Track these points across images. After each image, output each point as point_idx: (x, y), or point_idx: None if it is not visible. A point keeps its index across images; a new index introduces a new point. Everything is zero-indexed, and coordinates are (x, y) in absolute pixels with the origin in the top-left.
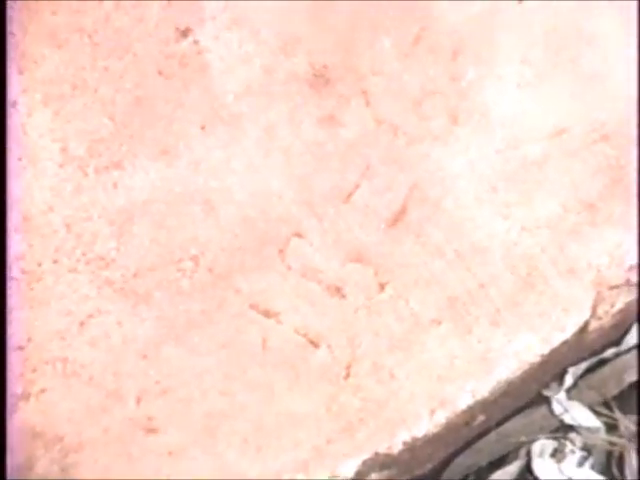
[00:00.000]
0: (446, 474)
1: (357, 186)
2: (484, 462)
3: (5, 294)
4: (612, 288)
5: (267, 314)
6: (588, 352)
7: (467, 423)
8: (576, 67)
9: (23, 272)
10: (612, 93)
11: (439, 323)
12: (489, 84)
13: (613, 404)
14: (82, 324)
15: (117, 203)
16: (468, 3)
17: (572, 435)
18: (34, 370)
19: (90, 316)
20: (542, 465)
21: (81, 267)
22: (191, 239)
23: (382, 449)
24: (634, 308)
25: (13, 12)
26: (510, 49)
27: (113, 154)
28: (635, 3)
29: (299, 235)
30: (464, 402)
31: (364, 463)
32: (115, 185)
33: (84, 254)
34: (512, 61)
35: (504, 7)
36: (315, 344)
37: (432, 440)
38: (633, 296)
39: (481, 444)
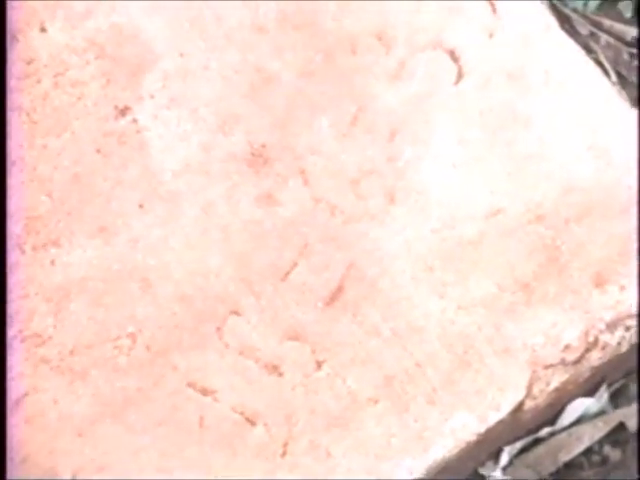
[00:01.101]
0: None
1: (295, 264)
2: None
3: None
4: (547, 367)
5: (204, 392)
6: (523, 431)
7: None
8: (512, 148)
9: None
10: (547, 174)
11: (376, 401)
12: (426, 164)
13: None
14: (17, 402)
15: (54, 280)
16: (405, 84)
17: None
18: None
19: (26, 394)
20: None
21: (17, 345)
22: (129, 317)
23: None
24: (569, 387)
25: None
26: (446, 129)
27: (51, 231)
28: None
29: (237, 313)
30: None
31: None
32: (52, 262)
33: (20, 332)
34: (449, 141)
35: (440, 88)
36: (252, 422)
37: None
38: (568, 375)
39: None
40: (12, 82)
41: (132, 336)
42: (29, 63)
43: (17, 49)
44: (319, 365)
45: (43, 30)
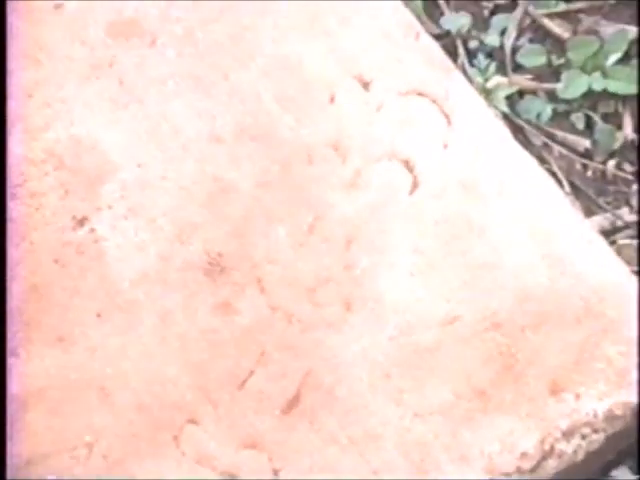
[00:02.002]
0: None
1: (252, 372)
2: None
3: None
4: (503, 475)
5: None
6: None
7: None
8: (467, 257)
9: None
10: (502, 282)
11: None
12: (382, 272)
13: None
14: None
15: (11, 390)
16: (361, 193)
17: None
18: None
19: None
20: None
21: None
22: (86, 426)
23: None
24: None
25: None
26: (402, 238)
27: (8, 341)
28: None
29: (194, 421)
30: None
31: None
32: (9, 372)
33: None
34: (404, 250)
35: (395, 198)
36: None
37: None
38: None
39: None
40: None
41: (89, 445)
42: None
43: None
44: (276, 473)
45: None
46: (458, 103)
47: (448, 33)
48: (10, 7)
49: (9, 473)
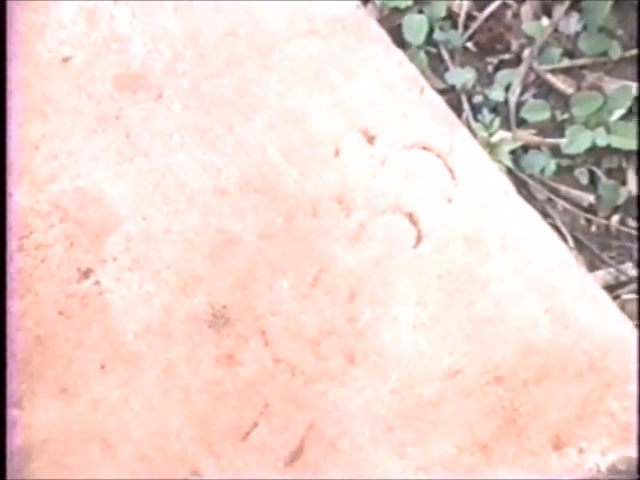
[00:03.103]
0: None
1: (255, 424)
2: None
3: None
4: None
5: None
6: None
7: None
8: (470, 310)
9: None
10: (505, 336)
11: None
12: (385, 325)
13: None
14: None
15: (15, 442)
16: (365, 246)
17: None
18: None
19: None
20: None
21: None
22: (89, 478)
23: None
24: None
25: None
26: (405, 291)
27: (13, 393)
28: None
29: (197, 473)
30: None
31: None
32: (14, 424)
33: None
34: (408, 303)
35: (399, 251)
36: None
37: None
38: None
39: None
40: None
41: None
42: None
43: None
44: None
45: (9, 195)
46: (462, 157)
47: (453, 88)
48: (18, 60)
49: None
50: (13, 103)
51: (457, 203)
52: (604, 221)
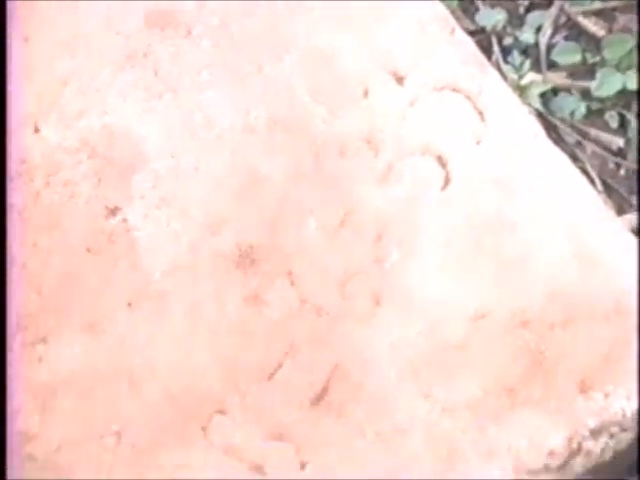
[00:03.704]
0: None
1: (280, 364)
2: None
3: None
4: (530, 472)
5: None
6: None
7: None
8: (497, 253)
9: None
10: (532, 280)
11: None
12: (412, 266)
13: None
14: None
15: (41, 377)
16: (393, 188)
17: None
18: None
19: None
20: None
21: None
22: (114, 415)
23: None
24: None
25: None
26: (433, 233)
27: (39, 329)
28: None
29: (222, 412)
30: None
31: None
32: (40, 359)
33: (7, 429)
34: (435, 245)
35: (427, 193)
36: None
37: None
38: None
39: None
40: (4, 181)
41: (117, 434)
42: (22, 163)
43: (10, 149)
44: (303, 465)
45: (36, 130)
46: (492, 99)
47: (483, 29)
48: None
49: (41, 458)
50: (41, 38)
51: (486, 145)
52: (633, 165)
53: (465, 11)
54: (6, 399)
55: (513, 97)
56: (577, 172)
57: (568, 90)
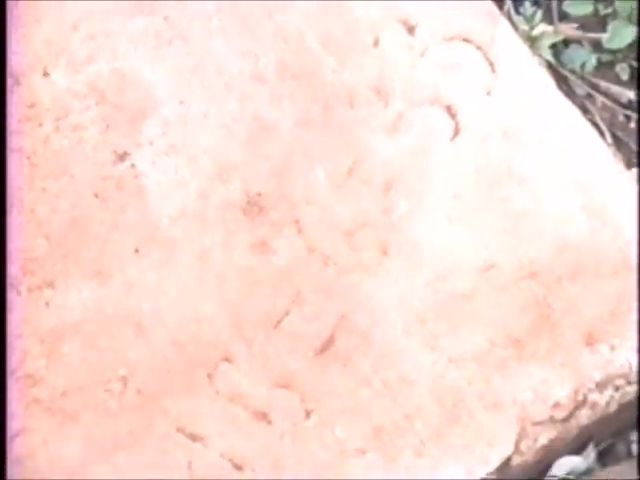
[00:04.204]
0: None
1: (287, 313)
2: None
3: None
4: (536, 424)
5: (193, 437)
6: None
7: None
8: (506, 205)
9: None
10: (541, 231)
11: (364, 452)
12: (420, 217)
13: None
14: (8, 442)
15: (48, 322)
16: (402, 138)
17: None
18: None
19: (16, 434)
20: None
21: (10, 385)
22: (121, 360)
23: None
24: (557, 445)
25: None
26: (441, 184)
27: (46, 273)
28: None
29: (228, 360)
30: None
31: None
32: (47, 304)
33: (13, 372)
34: (443, 196)
35: (436, 143)
36: (239, 468)
37: None
38: (556, 433)
39: None
40: (13, 125)
41: (123, 379)
42: (31, 107)
43: (19, 92)
44: (308, 414)
45: (45, 74)
46: (503, 50)
47: None
48: None
49: (46, 401)
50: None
51: (496, 96)
52: None
53: None
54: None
55: (524, 48)
56: (587, 124)
57: (579, 42)
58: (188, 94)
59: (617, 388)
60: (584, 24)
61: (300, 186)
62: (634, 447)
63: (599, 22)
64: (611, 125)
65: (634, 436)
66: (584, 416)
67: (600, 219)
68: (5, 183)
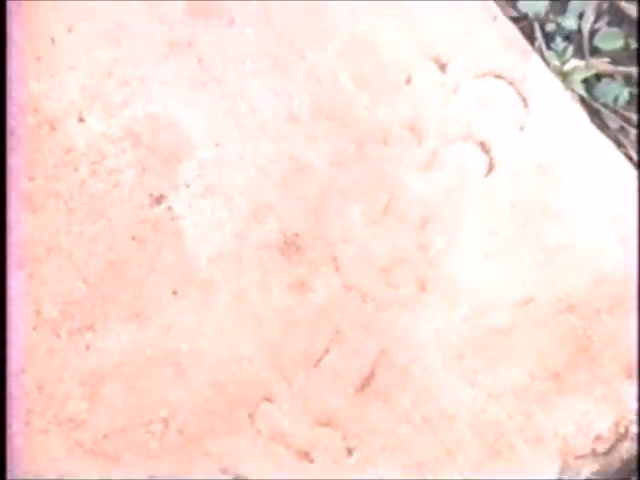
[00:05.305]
0: None
1: (326, 351)
2: None
3: None
4: (578, 457)
5: (237, 477)
6: None
7: None
8: (541, 239)
9: None
10: (577, 265)
11: None
12: (457, 253)
13: None
14: None
15: (89, 365)
16: (436, 174)
17: None
18: None
19: (60, 477)
20: None
21: (52, 429)
22: (161, 401)
23: None
24: (600, 478)
25: None
26: (477, 220)
27: (86, 317)
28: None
29: (269, 399)
30: None
31: None
32: (87, 347)
33: (55, 415)
34: (479, 231)
35: (470, 180)
36: None
37: None
38: (598, 466)
39: None
40: (49, 169)
41: (165, 421)
42: (67, 152)
43: (55, 138)
44: (350, 451)
45: (81, 120)
46: (535, 86)
47: (525, 16)
48: None
49: (88, 444)
50: (85, 28)
51: (529, 131)
52: None
53: None
54: (6, 400)
55: (556, 83)
56: (621, 157)
57: (611, 76)
58: (223, 136)
59: None
60: (615, 58)
61: (336, 225)
62: None
63: (630, 56)
64: None
65: None
66: (626, 449)
67: (636, 251)
68: (5, 183)
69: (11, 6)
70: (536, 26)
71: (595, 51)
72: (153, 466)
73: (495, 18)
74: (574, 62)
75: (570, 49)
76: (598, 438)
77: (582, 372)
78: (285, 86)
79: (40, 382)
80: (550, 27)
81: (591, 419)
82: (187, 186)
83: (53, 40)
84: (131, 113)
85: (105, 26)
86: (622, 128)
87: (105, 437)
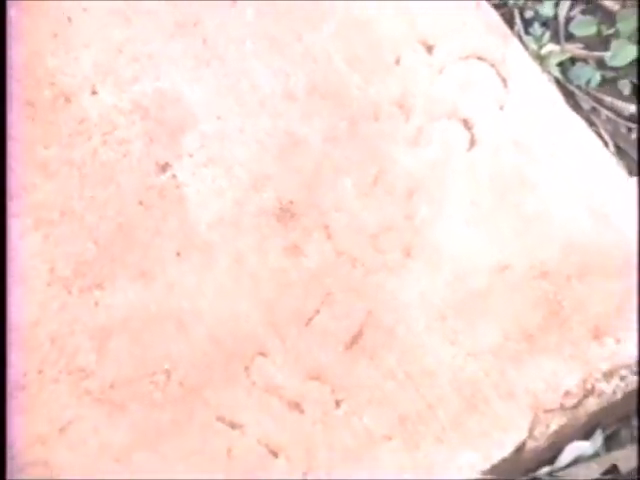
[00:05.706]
0: None
1: (317, 311)
2: None
3: None
4: (547, 412)
5: (232, 425)
6: (524, 470)
7: None
8: (519, 210)
9: (8, 381)
10: (551, 234)
11: (389, 439)
12: (440, 222)
13: None
14: (62, 430)
15: (98, 320)
16: (422, 149)
17: None
18: (18, 471)
19: (69, 423)
20: None
21: (63, 377)
22: (164, 355)
23: None
24: (567, 430)
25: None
26: (459, 191)
27: (96, 275)
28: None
29: (263, 354)
30: None
31: None
32: (96, 303)
33: (66, 366)
34: (461, 202)
35: (454, 154)
36: (275, 454)
37: None
38: (566, 419)
39: None
40: (64, 139)
41: (167, 372)
42: (80, 123)
43: (70, 110)
44: (338, 404)
45: (94, 93)
46: (514, 68)
47: (506, 3)
48: None
49: (96, 392)
50: (98, 7)
51: (509, 110)
52: None
53: None
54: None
55: (534, 66)
56: (592, 136)
57: (584, 60)
58: (225, 111)
59: (622, 378)
60: (589, 44)
61: (329, 195)
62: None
63: (602, 42)
64: (614, 136)
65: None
66: (592, 404)
67: (605, 222)
68: (5, 183)
69: None
70: (516, 12)
71: (570, 37)
72: (156, 414)
73: (478, 5)
74: (550, 46)
75: (547, 34)
76: (566, 394)
77: (553, 334)
78: (283, 65)
79: (53, 335)
80: (529, 14)
81: (560, 377)
82: (191, 156)
83: (69, 19)
84: (140, 88)
85: (117, 6)
86: (594, 109)
87: (112, 387)
